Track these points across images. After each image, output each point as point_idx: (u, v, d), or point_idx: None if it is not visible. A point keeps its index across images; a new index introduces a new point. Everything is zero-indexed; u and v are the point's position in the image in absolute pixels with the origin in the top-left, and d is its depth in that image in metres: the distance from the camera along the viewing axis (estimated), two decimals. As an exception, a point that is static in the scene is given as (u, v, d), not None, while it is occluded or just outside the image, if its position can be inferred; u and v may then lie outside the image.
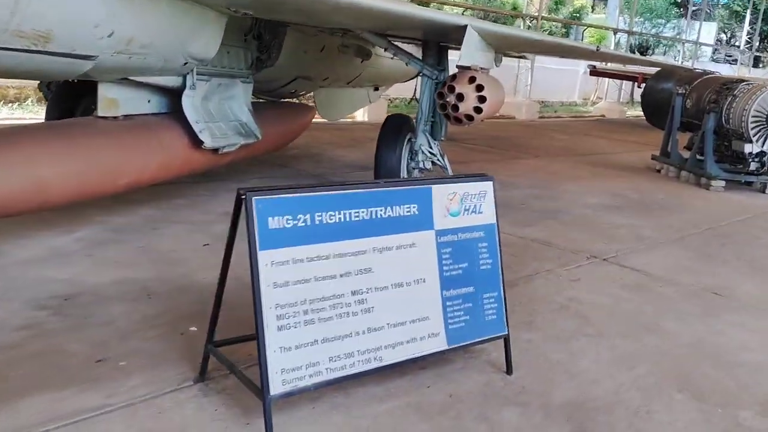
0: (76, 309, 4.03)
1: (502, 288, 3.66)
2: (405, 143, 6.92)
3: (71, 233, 5.42)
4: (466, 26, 5.74)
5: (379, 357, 3.16)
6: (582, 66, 27.06)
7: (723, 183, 10.13)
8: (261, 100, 8.53)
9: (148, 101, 5.89)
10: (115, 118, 5.51)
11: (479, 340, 3.57)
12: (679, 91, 11.39)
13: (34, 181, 4.39)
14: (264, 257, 2.83)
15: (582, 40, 34.39)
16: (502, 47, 6.90)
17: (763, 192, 10.12)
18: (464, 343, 3.50)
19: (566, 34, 35.66)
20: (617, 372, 3.83)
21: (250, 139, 6.77)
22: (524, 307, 4.70)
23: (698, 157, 10.65)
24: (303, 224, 2.95)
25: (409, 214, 3.30)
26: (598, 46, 7.45)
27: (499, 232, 3.71)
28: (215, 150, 6.26)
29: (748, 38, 38.88)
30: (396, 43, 6.99)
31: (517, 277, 5.34)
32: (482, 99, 5.73)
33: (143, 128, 5.58)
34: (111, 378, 3.28)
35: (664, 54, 36.27)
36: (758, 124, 9.65)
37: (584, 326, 4.48)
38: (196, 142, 5.95)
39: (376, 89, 11.59)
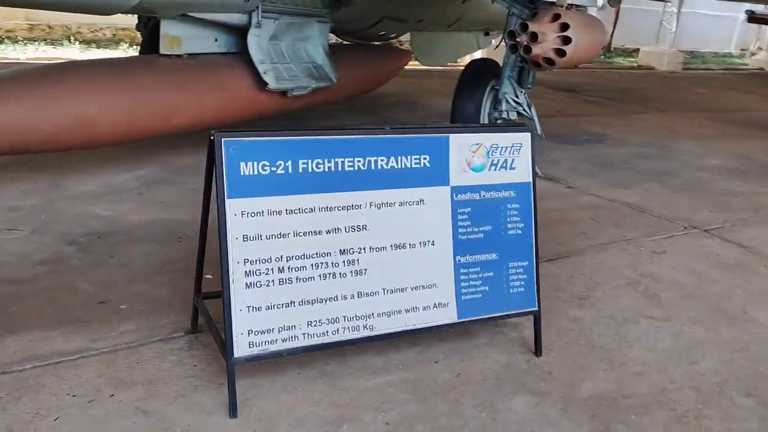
0: (104, 247, 4.00)
1: (534, 257, 3.17)
2: (488, 91, 6.34)
3: (133, 171, 5.45)
4: (550, -43, 5.04)
5: (370, 325, 2.82)
6: (742, 11, 24.24)
7: None
8: (346, 43, 8.19)
9: (215, 40, 5.74)
10: (178, 56, 5.41)
11: (499, 314, 3.12)
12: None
13: (79, 116, 4.37)
14: (233, 206, 2.54)
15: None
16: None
17: None
18: (479, 317, 3.06)
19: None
20: (673, 365, 3.24)
21: (324, 82, 6.48)
22: (583, 280, 4.14)
23: None
24: (283, 172, 2.62)
25: (418, 166, 2.88)
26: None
27: (536, 192, 3.19)
28: (283, 93, 6.05)
29: None
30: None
31: (587, 245, 4.75)
32: (566, 40, 5.03)
33: (205, 67, 5.45)
34: (105, 321, 3.18)
35: None
36: None
37: (650, 307, 3.86)
38: (261, 83, 5.75)
39: (487, 34, 10.86)
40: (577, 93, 13.08)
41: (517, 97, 6.32)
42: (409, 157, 2.85)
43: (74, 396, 2.61)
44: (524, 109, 6.40)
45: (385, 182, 2.82)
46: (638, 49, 21.36)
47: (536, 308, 3.18)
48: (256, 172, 2.57)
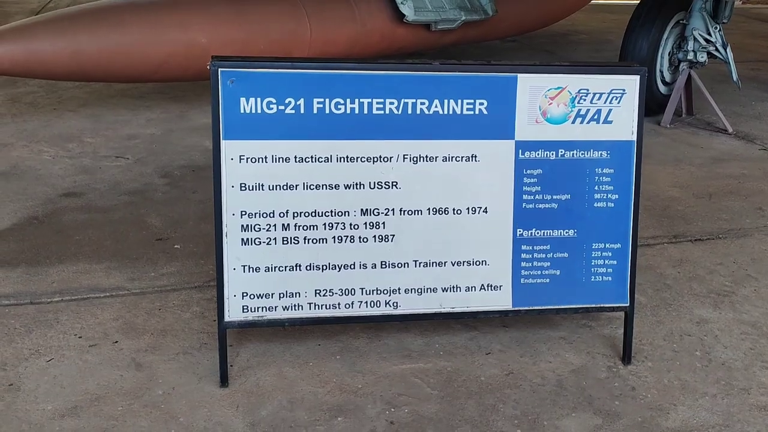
0: (193, 181, 3.92)
1: (630, 239, 2.43)
2: (669, 26, 5.23)
3: (261, 105, 5.35)
4: None
5: (394, 302, 2.34)
6: None
7: None
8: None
9: (353, -34, 5.33)
10: (311, -16, 5.11)
11: (573, 307, 2.45)
12: None
13: (189, 46, 4.28)
14: (229, 149, 2.19)
15: None
16: None
17: None
18: (543, 308, 2.43)
19: None
20: (821, 406, 2.35)
21: (477, 15, 5.82)
22: (733, 270, 3.21)
23: None
24: (293, 111, 2.20)
25: (472, 112, 2.28)
26: None
27: (641, 153, 2.41)
28: (426, 26, 5.52)
29: None
30: None
31: (758, 225, 3.72)
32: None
33: (337, -3, 5.10)
34: (152, 260, 3.07)
35: None
36: None
37: (817, 319, 2.88)
38: (400, 15, 5.28)
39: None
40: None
41: (709, 34, 5.15)
42: (459, 101, 2.26)
43: (79, 338, 2.50)
44: (719, 51, 5.20)
45: (425, 131, 2.27)
46: None
47: (627, 304, 2.45)
48: (259, 111, 2.18)
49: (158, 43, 4.14)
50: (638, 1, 5.44)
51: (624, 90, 2.34)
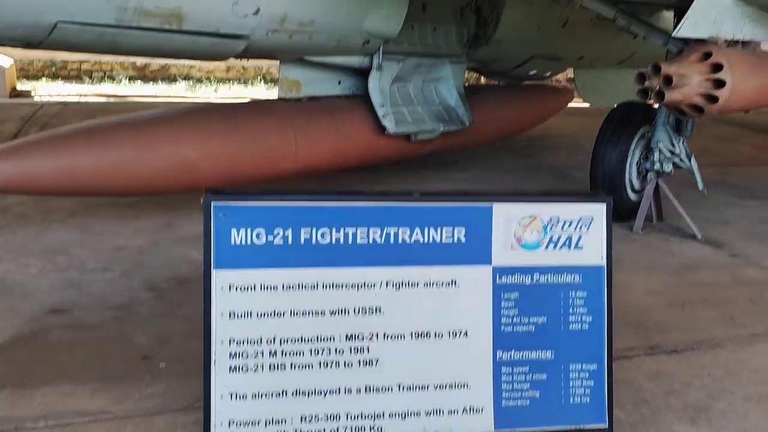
0: (180, 295, 3.97)
1: (606, 359, 2.52)
2: (636, 138, 5.53)
3: (247, 213, 5.48)
4: (700, -16, 4.22)
5: (379, 427, 2.38)
6: None
7: None
8: (494, 83, 7.74)
9: (339, 82, 5.65)
10: (297, 100, 5.38)
11: (554, 429, 2.50)
12: None
13: (180, 161, 4.44)
14: (219, 278, 2.29)
15: None
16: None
17: None
18: (525, 429, 2.48)
19: None
20: None
21: (455, 126, 6.11)
22: (708, 383, 3.28)
23: None
24: (281, 242, 2.32)
25: (450, 241, 2.42)
26: None
27: (611, 277, 2.54)
28: (407, 137, 5.78)
29: None
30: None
31: (731, 335, 3.83)
32: (720, 83, 4.18)
33: (322, 111, 5.36)
34: (137, 380, 3.07)
35: None
36: None
37: (793, 434, 2.94)
38: (382, 127, 5.54)
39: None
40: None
41: (673, 146, 5.44)
42: (439, 229, 2.40)
43: (60, 465, 2.49)
44: (682, 161, 5.48)
45: (406, 258, 2.39)
46: None
47: (605, 425, 2.52)
48: (249, 242, 2.29)
49: (151, 159, 4.30)
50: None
51: (592, 217, 2.49)
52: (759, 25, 4.71)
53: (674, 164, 5.51)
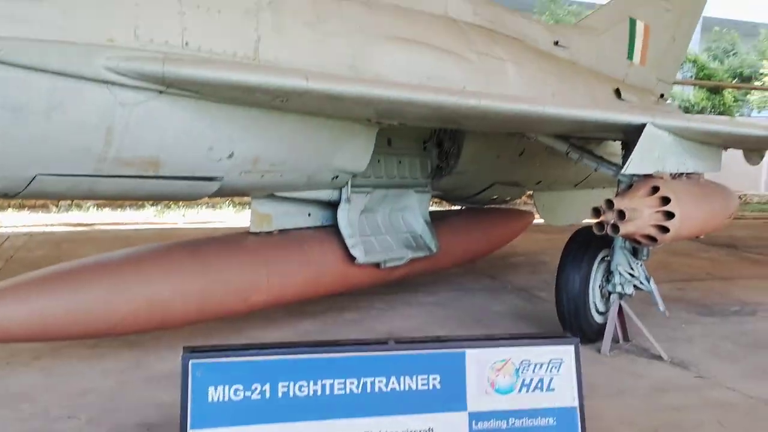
0: (146, 441, 3.86)
1: (584, 503, 2.52)
2: (597, 262, 5.74)
3: (217, 347, 5.43)
4: (643, 125, 4.58)
5: None
6: None
7: None
8: (458, 207, 8.04)
9: (309, 214, 5.81)
10: (268, 233, 5.50)
11: None
12: None
13: (151, 300, 4.46)
14: (197, 437, 2.28)
15: None
16: (725, 143, 5.42)
17: None
18: None
19: None
20: None
21: (423, 252, 6.28)
22: None
23: None
24: (259, 397, 2.34)
25: (426, 388, 2.47)
26: None
27: (584, 418, 2.60)
28: (376, 265, 5.90)
29: None
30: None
31: (704, 462, 3.85)
32: (670, 215, 4.44)
33: (292, 243, 5.48)
34: None
35: None
36: None
37: None
38: (352, 256, 5.66)
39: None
40: (737, 249, 11.77)
41: (632, 269, 5.65)
42: (414, 377, 2.46)
43: None
44: (641, 283, 5.68)
45: (384, 408, 2.43)
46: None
47: None
48: (227, 398, 2.31)
49: (122, 300, 4.31)
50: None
51: (562, 359, 2.58)
52: (699, 158, 5.08)
53: (635, 286, 5.70)
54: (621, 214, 4.51)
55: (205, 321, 4.96)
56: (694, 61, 21.92)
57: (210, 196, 4.93)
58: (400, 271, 6.24)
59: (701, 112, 20.89)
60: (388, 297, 7.05)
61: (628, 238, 4.79)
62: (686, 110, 20.47)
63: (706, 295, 8.03)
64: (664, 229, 4.55)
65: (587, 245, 5.74)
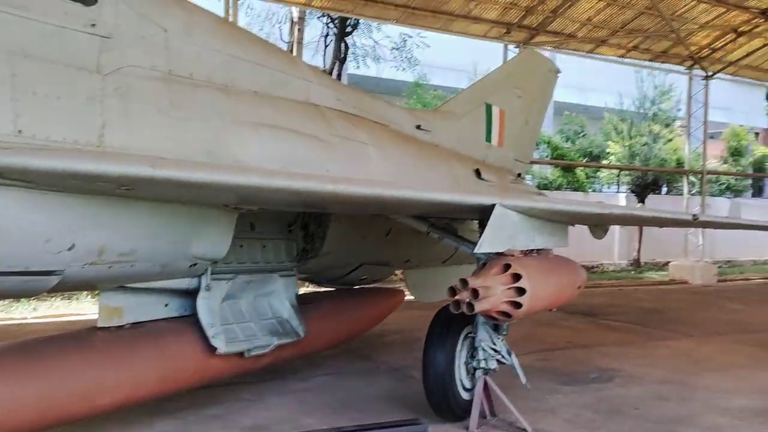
0: None
1: None
2: (461, 339, 5.84)
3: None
4: (493, 206, 4.81)
5: None
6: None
7: None
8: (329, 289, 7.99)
9: (166, 305, 5.53)
10: (119, 327, 5.16)
11: None
12: None
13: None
14: None
15: (769, 191, 30.96)
16: (571, 221, 5.80)
17: None
18: None
19: (760, 189, 32.30)
20: None
21: (290, 338, 6.13)
22: None
23: None
24: None
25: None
26: (695, 215, 6.01)
27: None
28: (240, 354, 5.67)
29: None
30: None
31: None
32: (521, 291, 4.62)
33: (146, 337, 5.16)
34: None
35: None
36: None
37: None
38: (213, 347, 5.41)
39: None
40: (595, 317, 12.43)
41: (494, 344, 5.79)
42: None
43: None
44: (503, 357, 5.82)
45: None
46: (669, 262, 20.85)
47: None
48: None
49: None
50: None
51: (410, 450, 2.53)
52: (547, 235, 5.37)
53: (498, 360, 5.83)
54: (475, 293, 4.64)
55: (47, 428, 4.49)
56: (548, 142, 23.63)
57: (49, 291, 4.57)
58: (266, 358, 6.03)
59: (558, 188, 22.40)
60: (256, 386, 6.78)
61: (484, 315, 4.92)
62: (545, 187, 21.89)
63: (568, 363, 8.36)
64: (517, 305, 4.71)
65: (451, 323, 5.83)
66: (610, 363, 8.45)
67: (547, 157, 23.65)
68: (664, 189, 25.25)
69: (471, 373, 5.93)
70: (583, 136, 26.12)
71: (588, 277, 20.61)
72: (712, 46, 19.08)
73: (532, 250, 5.22)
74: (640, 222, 7.87)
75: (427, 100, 19.78)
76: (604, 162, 24.63)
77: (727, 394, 7.13)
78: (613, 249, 22.31)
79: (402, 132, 7.96)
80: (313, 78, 6.46)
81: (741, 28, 18.19)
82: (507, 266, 4.77)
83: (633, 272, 21.50)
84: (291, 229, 6.48)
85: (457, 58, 23.61)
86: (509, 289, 4.69)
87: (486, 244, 4.74)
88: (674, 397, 6.98)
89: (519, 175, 11.32)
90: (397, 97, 20.73)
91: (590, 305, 13.79)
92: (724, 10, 17.31)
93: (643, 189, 22.50)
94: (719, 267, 21.82)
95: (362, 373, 7.72)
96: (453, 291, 4.78)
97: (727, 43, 18.97)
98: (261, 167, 4.90)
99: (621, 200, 23.05)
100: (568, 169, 23.47)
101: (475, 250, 4.89)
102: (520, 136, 11.63)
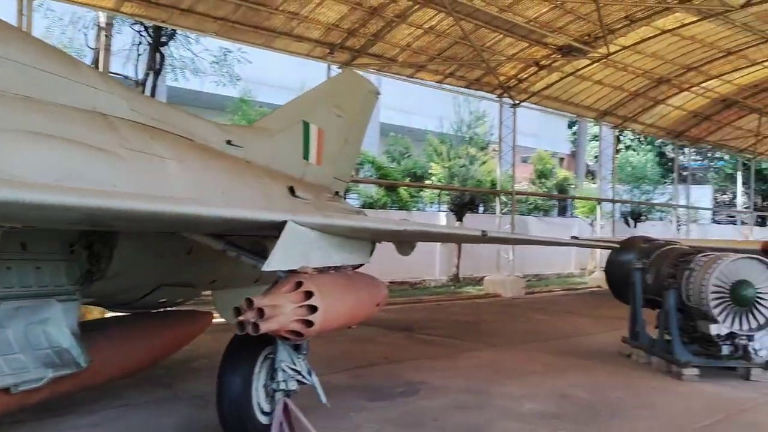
0: None
1: None
2: (259, 361, 5.63)
3: None
4: (284, 223, 4.70)
5: None
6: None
7: (696, 371, 8.57)
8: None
9: None
10: None
11: None
12: (638, 266, 10.19)
13: None
14: None
15: (571, 211, 34.01)
16: (370, 237, 5.83)
17: (747, 378, 8.51)
18: None
19: (564, 208, 35.30)
20: None
21: (69, 369, 5.54)
22: None
23: (666, 337, 9.20)
24: None
25: None
26: (484, 231, 6.38)
27: None
28: (5, 390, 5.02)
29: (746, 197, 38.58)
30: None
31: None
32: (313, 309, 4.53)
33: None
34: None
35: (661, 220, 35.58)
36: (720, 300, 8.30)
37: None
38: (-29, 382, 4.74)
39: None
40: (413, 332, 12.76)
41: (294, 364, 5.64)
42: None
43: None
44: (304, 377, 5.69)
45: None
46: (484, 277, 22.07)
47: None
48: None
49: None
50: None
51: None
52: (346, 252, 5.34)
53: (298, 381, 5.69)
54: (261, 312, 4.47)
55: None
56: (372, 162, 24.23)
57: None
58: (39, 394, 5.41)
59: (383, 207, 22.96)
60: (29, 426, 6.08)
61: (274, 335, 4.76)
62: (370, 206, 22.36)
63: (379, 379, 8.44)
64: (309, 323, 4.61)
65: (248, 344, 5.60)
66: (418, 376, 8.65)
67: (371, 176, 24.18)
68: (481, 208, 26.81)
69: (270, 395, 5.73)
70: (408, 156, 27.07)
71: (410, 293, 21.33)
72: (519, 76, 20.64)
73: (330, 267, 5.15)
74: (435, 238, 8.18)
75: (252, 117, 19.40)
76: (428, 182, 25.69)
77: (521, 399, 7.56)
78: (435, 265, 23.26)
79: (209, 147, 7.64)
80: (101, 85, 5.98)
81: (542, 62, 19.87)
82: (299, 284, 4.65)
83: (453, 287, 22.49)
84: (73, 249, 5.89)
85: (285, 76, 23.51)
86: (300, 307, 4.57)
87: (276, 262, 4.60)
88: (473, 406, 7.27)
89: (337, 193, 11.37)
90: (221, 113, 20.17)
91: (410, 320, 14.17)
92: (527, 44, 18.81)
93: (461, 208, 23.71)
94: (528, 281, 23.49)
95: (160, 401, 7.23)
96: (238, 311, 4.57)
97: (530, 75, 20.63)
98: (34, 180, 4.38)
99: (442, 219, 24.11)
100: (392, 189, 24.15)
101: (263, 268, 4.73)
102: (340, 155, 11.69)
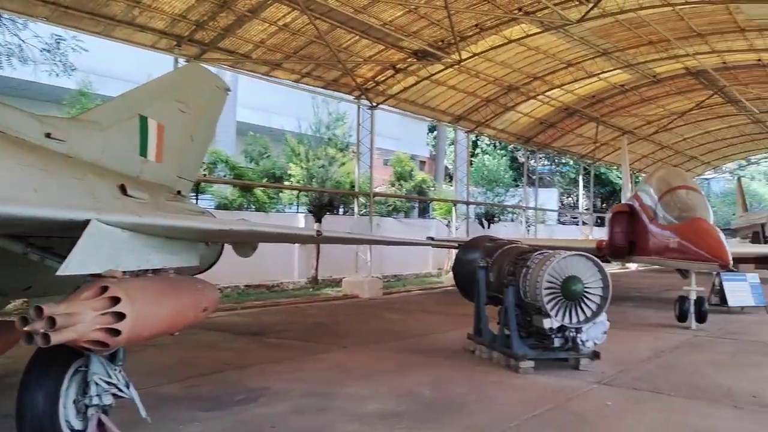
0: None
1: None
2: (69, 375, 5.08)
3: None
4: (88, 221, 4.24)
5: None
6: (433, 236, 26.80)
7: (532, 363, 8.91)
8: None
9: None
10: None
11: None
12: (481, 264, 10.49)
13: None
14: None
15: (431, 212, 34.88)
16: (194, 238, 5.45)
17: (577, 368, 8.98)
18: None
19: (424, 209, 36.08)
20: None
21: None
22: None
23: (506, 332, 9.51)
24: None
25: None
26: (319, 231, 6.25)
27: None
28: None
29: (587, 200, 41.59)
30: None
31: None
32: (121, 316, 4.11)
33: None
34: None
35: (512, 221, 37.41)
36: (552, 295, 8.69)
37: None
38: None
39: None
40: (263, 336, 12.37)
41: (110, 377, 5.15)
42: None
43: None
44: (121, 390, 5.22)
45: None
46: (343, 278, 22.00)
47: None
48: None
49: None
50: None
51: None
52: (168, 253, 4.94)
53: (114, 395, 5.21)
54: (52, 321, 4.00)
55: None
56: (226, 162, 23.43)
57: None
58: None
59: (239, 208, 22.25)
60: None
61: (72, 346, 4.29)
62: (225, 207, 21.59)
63: (217, 387, 8.00)
64: (116, 332, 4.19)
65: (55, 357, 5.04)
66: (261, 382, 8.31)
67: (226, 176, 23.40)
68: (341, 209, 26.78)
69: (83, 411, 5.20)
70: (267, 157, 26.46)
71: (267, 296, 20.72)
72: (376, 79, 20.81)
73: (147, 270, 4.74)
74: (268, 238, 7.91)
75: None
76: (287, 183, 25.26)
77: (365, 400, 7.46)
78: (294, 267, 22.89)
79: (23, 140, 6.89)
80: None
81: (398, 65, 20.17)
82: (104, 288, 4.21)
83: (311, 289, 22.24)
84: None
85: (131, 68, 22.13)
86: (104, 314, 4.14)
87: (74, 265, 4.14)
88: (314, 410, 7.07)
89: (179, 192, 10.76)
90: (57, 106, 18.61)
91: (263, 324, 13.78)
92: (384, 47, 19.01)
93: (320, 209, 23.50)
94: (387, 281, 23.74)
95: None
96: (25, 320, 4.06)
97: (387, 78, 20.87)
98: None
99: (300, 220, 23.79)
100: (248, 190, 23.49)
101: (59, 272, 4.25)
102: (184, 153, 11.07)
